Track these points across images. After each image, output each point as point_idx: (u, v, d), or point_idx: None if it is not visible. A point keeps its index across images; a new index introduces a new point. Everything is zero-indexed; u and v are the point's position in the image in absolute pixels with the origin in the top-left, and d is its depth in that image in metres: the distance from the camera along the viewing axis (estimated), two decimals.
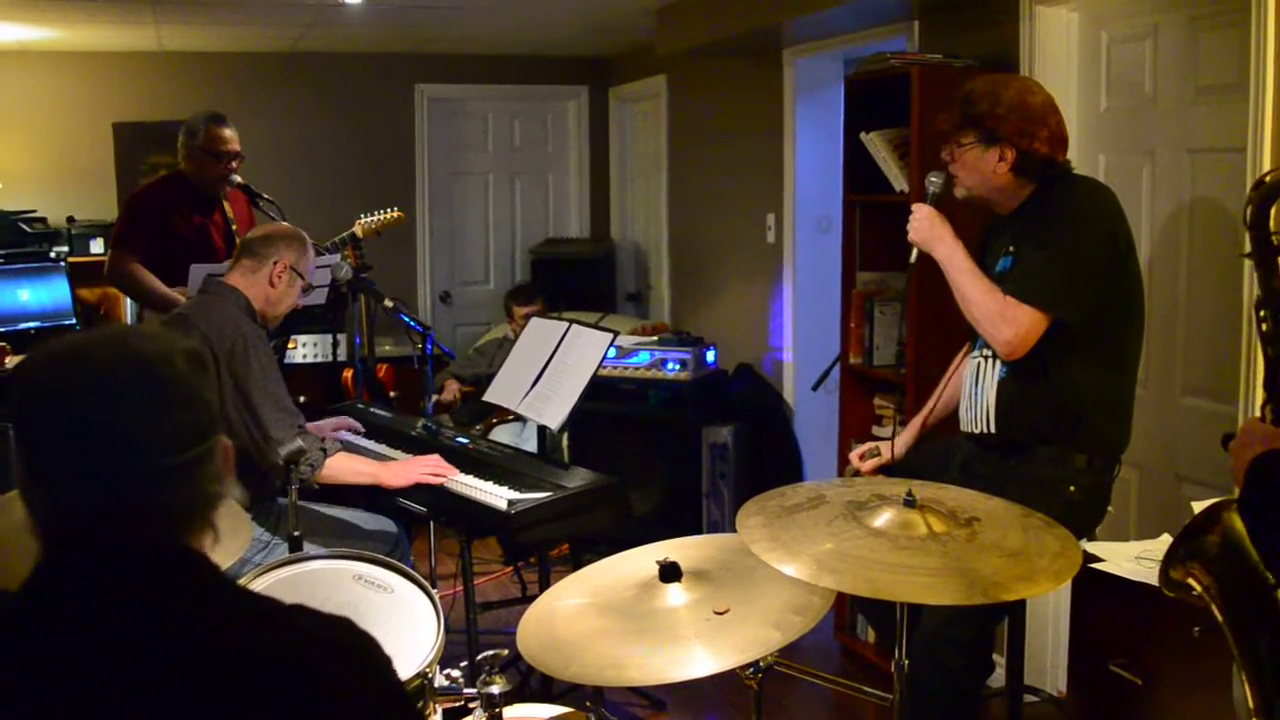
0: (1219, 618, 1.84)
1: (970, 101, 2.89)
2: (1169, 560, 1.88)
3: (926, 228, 2.96)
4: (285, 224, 3.86)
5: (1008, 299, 2.78)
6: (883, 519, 2.17)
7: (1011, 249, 2.91)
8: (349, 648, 1.31)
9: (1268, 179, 1.93)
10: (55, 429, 1.26)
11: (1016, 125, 2.84)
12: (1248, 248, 1.96)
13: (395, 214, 5.13)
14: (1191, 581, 1.88)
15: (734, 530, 2.24)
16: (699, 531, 5.31)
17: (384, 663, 1.33)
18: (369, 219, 5.06)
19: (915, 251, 2.99)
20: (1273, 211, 1.93)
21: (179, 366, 1.29)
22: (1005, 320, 2.77)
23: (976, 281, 2.86)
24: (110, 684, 1.20)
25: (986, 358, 2.94)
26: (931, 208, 2.98)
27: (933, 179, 3.03)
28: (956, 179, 2.96)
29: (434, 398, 4.24)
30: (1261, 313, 1.91)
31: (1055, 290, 2.76)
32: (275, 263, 3.50)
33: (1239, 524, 1.79)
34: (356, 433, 3.92)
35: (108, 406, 1.25)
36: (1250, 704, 1.77)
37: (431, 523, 3.83)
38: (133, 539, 1.26)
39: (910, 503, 2.18)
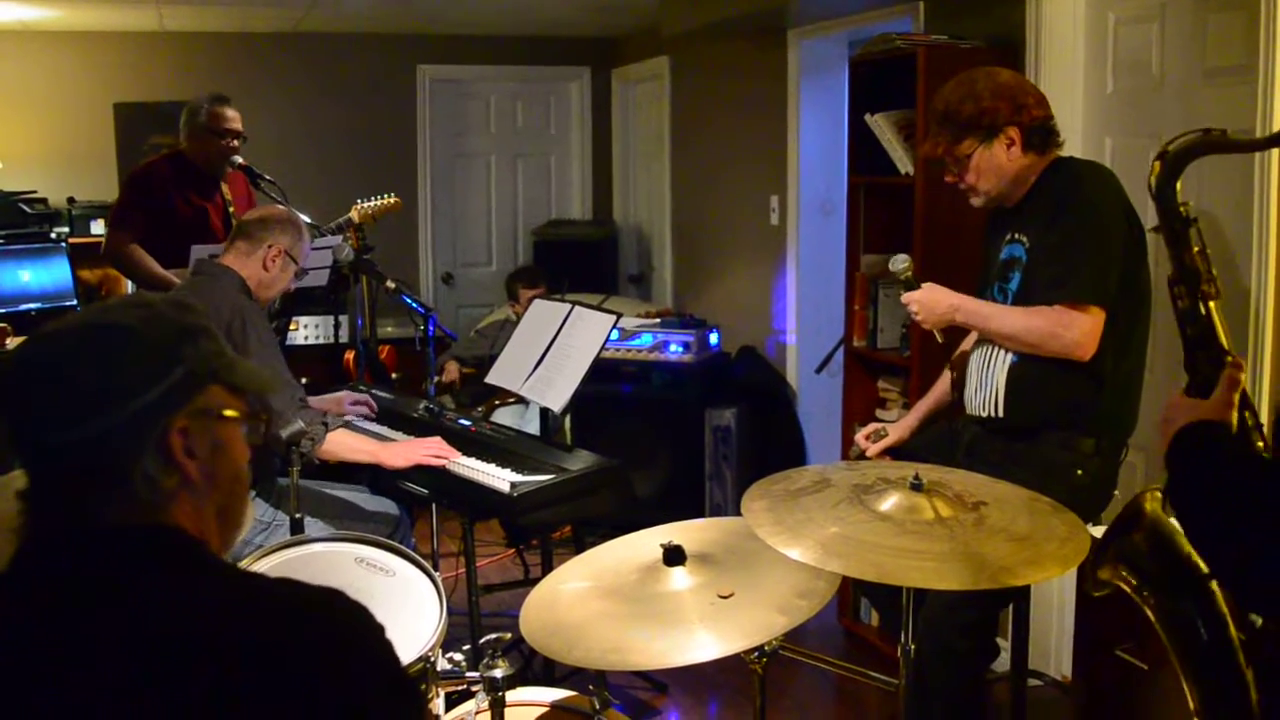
0: (1150, 617, 1.80)
1: (952, 112, 2.87)
2: (1098, 561, 1.83)
3: (933, 310, 2.95)
4: (282, 208, 3.85)
5: (1057, 307, 2.74)
6: (889, 503, 2.15)
7: (1021, 238, 2.88)
8: (339, 619, 1.29)
9: (1169, 149, 1.84)
10: (12, 404, 1.27)
11: (1007, 107, 2.83)
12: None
13: (392, 199, 5.10)
14: (1119, 583, 1.84)
15: (737, 513, 2.23)
16: (701, 514, 5.31)
17: (376, 632, 1.30)
18: (366, 204, 5.04)
19: (938, 332, 2.99)
20: (1179, 185, 1.84)
21: (115, 315, 1.30)
22: (1063, 327, 2.74)
23: (1008, 316, 2.85)
24: (95, 665, 1.18)
25: None
26: (919, 290, 2.98)
27: (898, 265, 3.03)
28: (972, 189, 2.94)
29: (435, 378, 4.23)
30: (1177, 289, 1.83)
31: (1101, 280, 2.73)
32: (270, 246, 3.51)
33: (1163, 515, 1.75)
34: (361, 405, 3.90)
35: (51, 371, 1.26)
36: (1191, 705, 1.72)
37: (433, 505, 3.83)
38: (106, 511, 1.26)
39: (917, 486, 2.17)
